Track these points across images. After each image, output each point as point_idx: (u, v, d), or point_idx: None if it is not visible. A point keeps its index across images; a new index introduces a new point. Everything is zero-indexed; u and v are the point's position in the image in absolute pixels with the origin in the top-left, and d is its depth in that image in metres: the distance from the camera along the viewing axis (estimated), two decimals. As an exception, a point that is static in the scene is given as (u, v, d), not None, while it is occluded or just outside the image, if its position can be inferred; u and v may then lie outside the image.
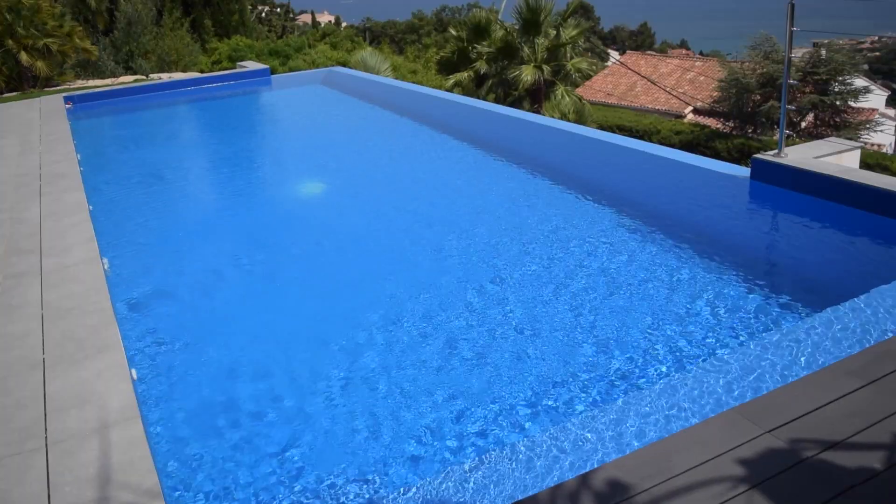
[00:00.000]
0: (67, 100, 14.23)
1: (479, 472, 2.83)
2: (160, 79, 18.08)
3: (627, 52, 42.21)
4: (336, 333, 4.63)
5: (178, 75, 19.44)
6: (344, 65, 19.30)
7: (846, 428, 2.47)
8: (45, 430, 3.19)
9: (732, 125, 18.20)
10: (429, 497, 2.73)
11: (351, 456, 3.39)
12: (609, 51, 42.31)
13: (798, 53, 17.14)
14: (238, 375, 4.22)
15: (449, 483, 2.78)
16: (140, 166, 9.61)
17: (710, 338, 4.13)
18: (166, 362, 4.35)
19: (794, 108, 15.72)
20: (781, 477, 2.27)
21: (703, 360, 3.80)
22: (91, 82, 19.17)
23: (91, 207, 6.64)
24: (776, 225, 5.94)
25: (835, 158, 6.10)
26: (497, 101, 18.53)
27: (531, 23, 18.78)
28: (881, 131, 20.03)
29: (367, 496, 3.07)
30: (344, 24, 61.00)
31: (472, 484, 2.77)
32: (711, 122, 19.72)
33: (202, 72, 20.43)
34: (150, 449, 3.01)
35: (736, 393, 3.16)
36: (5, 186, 7.74)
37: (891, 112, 28.22)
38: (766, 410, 2.61)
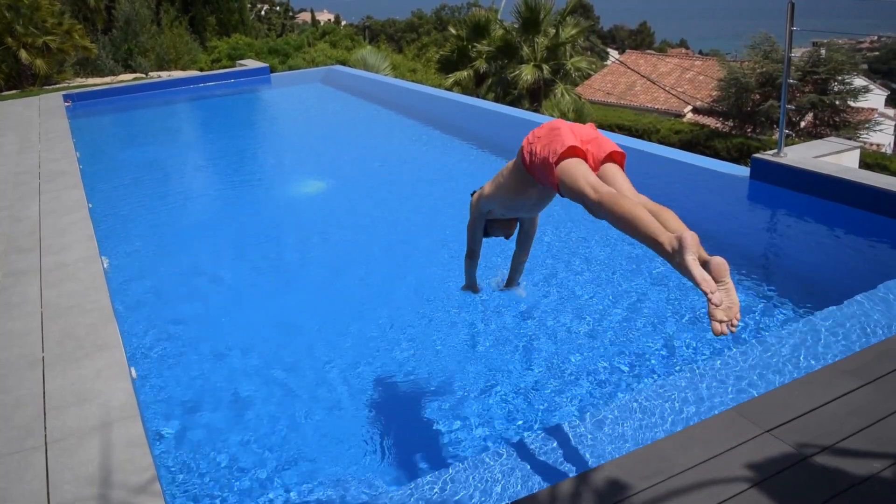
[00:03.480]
0: (67, 98, 14.22)
1: (479, 470, 2.83)
2: (159, 77, 18.07)
3: (627, 51, 42.22)
4: (332, 328, 4.64)
5: (178, 73, 19.42)
6: (343, 63, 19.28)
7: (846, 427, 2.47)
8: (45, 428, 3.19)
9: (732, 124, 18.21)
10: (430, 495, 2.73)
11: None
12: (608, 50, 42.32)
13: (797, 53, 17.14)
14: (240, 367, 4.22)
15: (449, 481, 2.78)
16: (139, 164, 9.61)
17: (706, 337, 4.13)
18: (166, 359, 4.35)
19: (793, 107, 15.73)
20: (781, 476, 2.27)
21: (701, 360, 3.80)
22: (90, 80, 19.15)
23: (91, 205, 6.64)
24: (775, 224, 5.95)
25: (834, 158, 6.11)
26: (496, 99, 18.54)
27: (530, 22, 18.79)
28: (880, 131, 20.06)
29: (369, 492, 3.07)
30: (343, 23, 60.88)
31: (474, 481, 2.77)
32: (711, 122, 19.73)
33: (201, 70, 20.40)
34: (150, 446, 3.01)
35: (735, 392, 3.16)
36: (4, 184, 7.73)
37: (890, 112, 28.24)
38: (765, 410, 2.61)
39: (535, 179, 3.08)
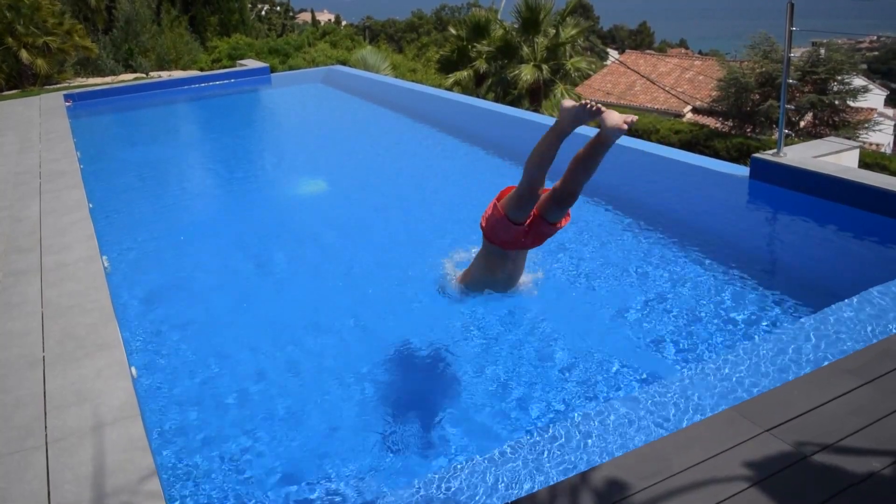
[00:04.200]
0: (67, 98, 14.22)
1: (479, 470, 2.83)
2: (160, 77, 18.07)
3: (626, 51, 42.21)
4: (330, 328, 4.64)
5: (178, 73, 19.43)
6: (344, 63, 19.28)
7: (846, 427, 2.47)
8: (45, 428, 3.19)
9: (731, 124, 18.20)
10: (429, 495, 2.74)
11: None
12: (608, 50, 42.31)
13: (797, 53, 17.13)
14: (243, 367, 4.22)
15: (449, 481, 2.79)
16: (140, 164, 9.61)
17: (706, 337, 4.13)
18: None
19: (793, 107, 15.73)
20: (780, 476, 2.28)
21: (701, 360, 3.80)
22: (91, 80, 19.16)
23: (91, 205, 6.64)
24: (775, 224, 5.95)
25: (834, 158, 6.11)
26: (496, 99, 18.55)
27: (530, 22, 18.81)
28: (879, 131, 20.05)
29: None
30: (344, 23, 60.83)
31: (473, 481, 2.78)
32: (710, 122, 19.72)
33: (202, 70, 20.40)
34: (150, 446, 3.02)
35: (735, 392, 3.17)
36: (5, 184, 7.74)
37: (889, 111, 28.25)
38: (765, 409, 2.61)
39: (494, 241, 3.62)
